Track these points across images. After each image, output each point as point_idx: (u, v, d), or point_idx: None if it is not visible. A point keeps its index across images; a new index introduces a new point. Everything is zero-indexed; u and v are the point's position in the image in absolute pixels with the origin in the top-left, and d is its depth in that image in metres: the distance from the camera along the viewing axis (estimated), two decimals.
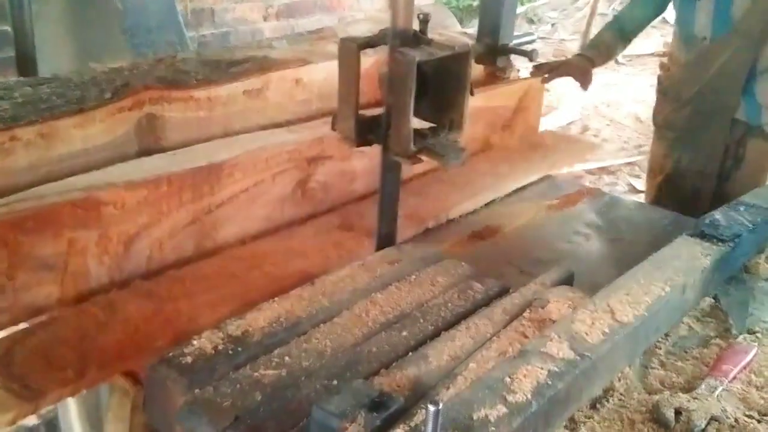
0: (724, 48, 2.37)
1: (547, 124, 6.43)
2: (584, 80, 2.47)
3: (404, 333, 1.29)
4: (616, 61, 8.50)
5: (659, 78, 2.71)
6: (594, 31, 9.57)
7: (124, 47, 3.03)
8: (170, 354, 1.19)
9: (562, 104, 6.85)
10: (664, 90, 2.66)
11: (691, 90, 2.51)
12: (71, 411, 2.04)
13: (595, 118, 6.45)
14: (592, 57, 2.55)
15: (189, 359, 1.17)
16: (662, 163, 2.66)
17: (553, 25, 10.73)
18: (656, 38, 9.33)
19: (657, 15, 2.63)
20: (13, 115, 1.47)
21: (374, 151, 1.54)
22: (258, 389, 1.13)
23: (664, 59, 2.75)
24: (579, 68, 2.47)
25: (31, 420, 2.87)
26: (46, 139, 1.49)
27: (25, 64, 2.31)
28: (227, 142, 1.74)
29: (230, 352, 1.20)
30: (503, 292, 1.46)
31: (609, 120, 6.73)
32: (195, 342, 1.21)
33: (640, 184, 5.60)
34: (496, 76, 2.23)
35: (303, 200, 1.82)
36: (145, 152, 1.66)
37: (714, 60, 2.40)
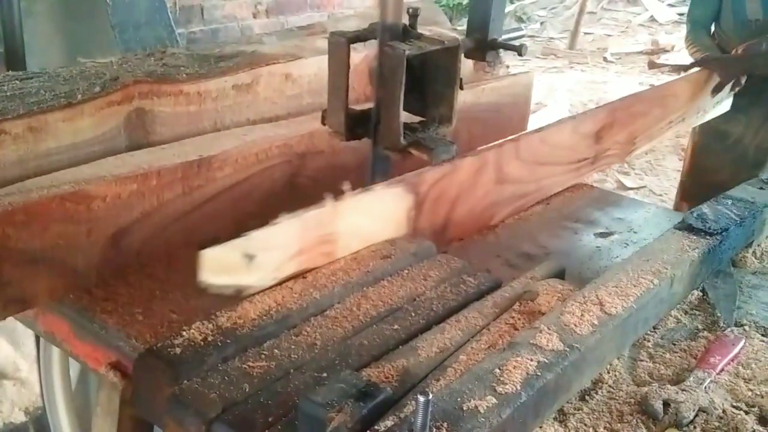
0: None
1: (536, 121, 6.47)
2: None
3: (395, 326, 1.29)
4: (605, 59, 8.55)
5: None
6: (582, 30, 9.66)
7: (113, 43, 3.03)
8: (159, 345, 1.19)
9: (551, 101, 6.88)
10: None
11: None
12: (59, 408, 2.04)
13: None
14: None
15: (177, 350, 1.16)
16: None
17: (542, 23, 10.78)
18: (644, 36, 9.38)
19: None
20: (1, 108, 1.46)
21: (365, 145, 1.54)
22: (246, 381, 1.13)
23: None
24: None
25: (20, 418, 2.88)
26: (34, 132, 1.49)
27: (14, 59, 2.31)
28: (217, 136, 1.74)
29: (219, 343, 1.20)
30: (496, 287, 1.46)
31: None
32: (184, 333, 1.20)
33: (629, 181, 5.63)
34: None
35: (293, 195, 1.81)
36: (135, 147, 1.65)
37: None
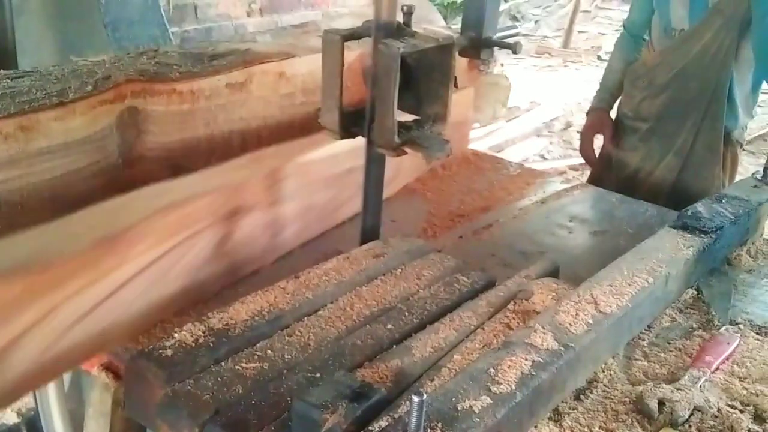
0: (704, 31, 2.39)
1: (530, 119, 6.48)
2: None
3: (389, 326, 1.29)
4: (599, 58, 8.56)
5: (631, 69, 2.71)
6: (576, 28, 9.67)
7: (106, 41, 3.01)
8: (150, 347, 1.18)
9: (545, 100, 6.88)
10: (633, 79, 2.65)
11: (667, 76, 2.50)
12: (52, 409, 2.03)
13: (578, 114, 6.48)
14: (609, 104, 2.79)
15: (169, 352, 1.16)
16: (629, 158, 2.66)
17: (536, 22, 10.79)
18: None
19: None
20: None
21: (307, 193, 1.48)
22: (239, 382, 1.12)
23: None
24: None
25: (12, 419, 2.86)
26: (25, 132, 1.47)
27: (6, 58, 2.28)
28: (129, 200, 1.41)
29: (211, 345, 1.19)
30: (489, 285, 1.46)
31: None
32: (176, 335, 1.20)
33: None
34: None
35: (224, 262, 1.53)
36: (127, 146, 1.64)
37: (693, 45, 2.41)
